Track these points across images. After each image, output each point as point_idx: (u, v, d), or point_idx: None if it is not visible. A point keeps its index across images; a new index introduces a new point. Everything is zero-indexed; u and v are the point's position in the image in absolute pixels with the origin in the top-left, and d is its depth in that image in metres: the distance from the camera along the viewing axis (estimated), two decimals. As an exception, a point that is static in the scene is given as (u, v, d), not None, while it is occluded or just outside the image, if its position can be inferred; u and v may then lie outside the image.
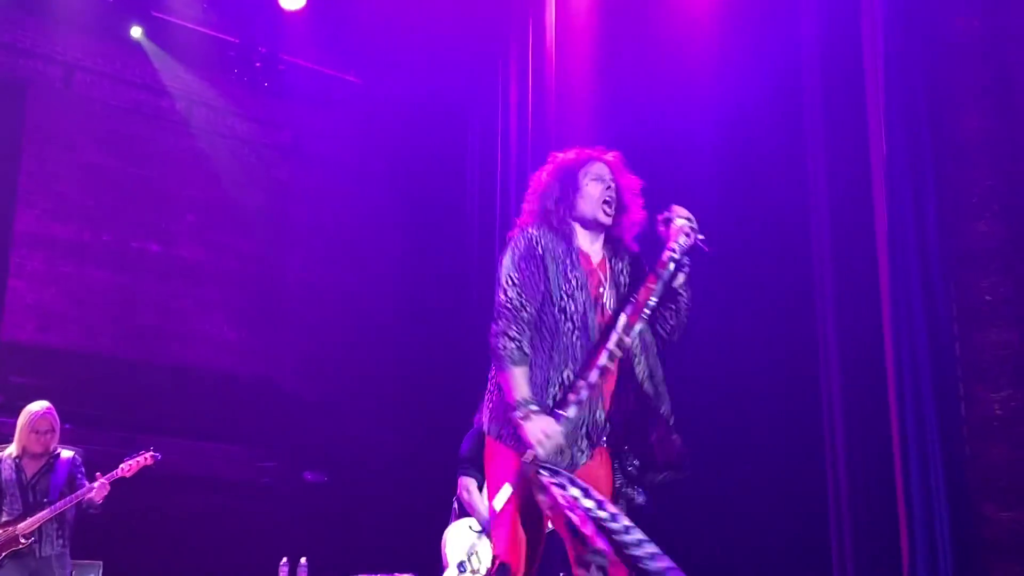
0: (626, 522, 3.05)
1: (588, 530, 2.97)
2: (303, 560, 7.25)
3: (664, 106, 7.04)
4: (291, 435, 9.54)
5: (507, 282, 3.28)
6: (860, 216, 5.36)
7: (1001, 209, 4.72)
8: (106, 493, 6.15)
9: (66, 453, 6.31)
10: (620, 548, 2.97)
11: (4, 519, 6.07)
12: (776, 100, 6.26)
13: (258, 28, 9.60)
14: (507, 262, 3.33)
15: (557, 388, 3.21)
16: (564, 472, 3.14)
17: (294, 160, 10.33)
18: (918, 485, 4.74)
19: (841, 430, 5.31)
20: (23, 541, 5.89)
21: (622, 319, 3.21)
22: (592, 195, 3.37)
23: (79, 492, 6.05)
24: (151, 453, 6.52)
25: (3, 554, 5.89)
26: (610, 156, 3.51)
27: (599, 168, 3.43)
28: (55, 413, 6.26)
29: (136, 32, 9.22)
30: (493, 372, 3.36)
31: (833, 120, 5.68)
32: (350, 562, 8.12)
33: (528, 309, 3.25)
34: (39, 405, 6.26)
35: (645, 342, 3.34)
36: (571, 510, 3.02)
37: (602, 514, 3.03)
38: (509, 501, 3.23)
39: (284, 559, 7.12)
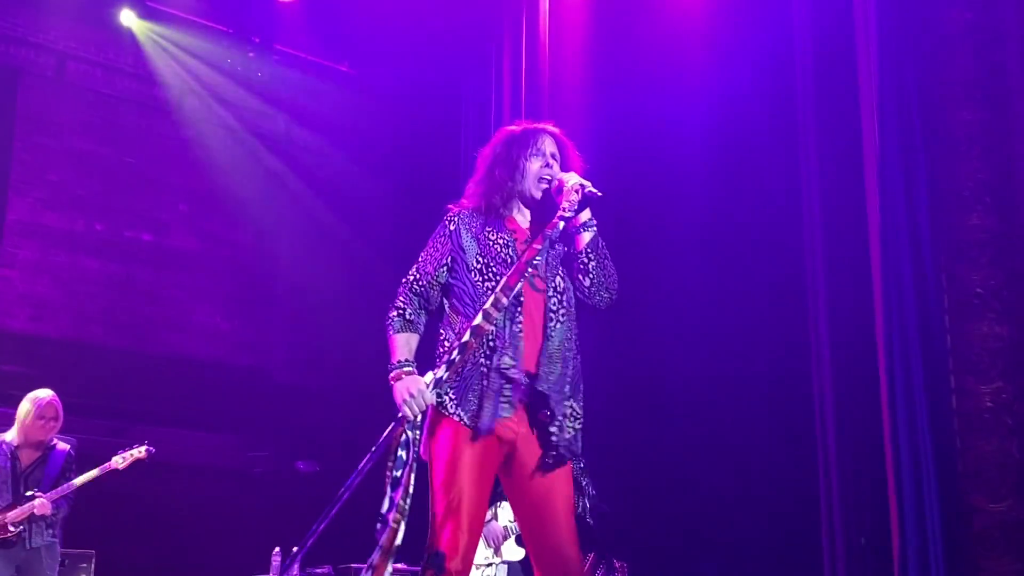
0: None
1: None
2: (295, 549, 7.11)
3: (657, 96, 7.05)
4: (283, 424, 9.56)
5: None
6: (852, 208, 5.37)
7: (993, 202, 4.73)
8: (51, 507, 6.06)
9: (62, 445, 6.28)
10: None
11: None
12: (768, 92, 6.28)
13: (252, 18, 9.59)
14: None
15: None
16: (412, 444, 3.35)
17: (287, 150, 10.34)
18: (909, 477, 4.75)
19: (832, 422, 5.32)
20: (11, 530, 5.84)
21: (502, 280, 3.21)
22: (531, 170, 3.41)
23: (59, 489, 6.01)
24: (146, 447, 6.48)
25: None
26: (553, 128, 3.53)
27: (541, 142, 3.46)
28: (59, 402, 6.23)
29: (128, 20, 9.21)
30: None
31: (825, 112, 5.69)
32: (342, 551, 8.15)
33: (421, 281, 3.43)
34: (44, 392, 6.21)
35: (567, 303, 3.34)
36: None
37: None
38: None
39: (276, 548, 7.08)
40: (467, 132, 9.71)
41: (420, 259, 3.51)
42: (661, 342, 6.34)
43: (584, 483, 3.60)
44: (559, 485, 3.21)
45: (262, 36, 9.66)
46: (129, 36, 9.34)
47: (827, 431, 5.36)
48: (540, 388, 3.15)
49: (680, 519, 6.16)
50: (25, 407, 6.17)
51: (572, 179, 3.33)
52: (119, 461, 6.33)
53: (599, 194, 3.29)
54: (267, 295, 10.01)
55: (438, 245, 3.50)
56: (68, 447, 6.29)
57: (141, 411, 8.71)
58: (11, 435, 6.18)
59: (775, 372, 6.05)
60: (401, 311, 3.49)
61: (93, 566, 7.03)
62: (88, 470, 6.25)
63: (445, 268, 3.42)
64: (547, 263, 3.30)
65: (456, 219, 3.48)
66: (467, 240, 3.39)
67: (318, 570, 7.45)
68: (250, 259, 9.95)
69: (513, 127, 3.61)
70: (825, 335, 5.46)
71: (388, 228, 10.29)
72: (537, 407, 3.18)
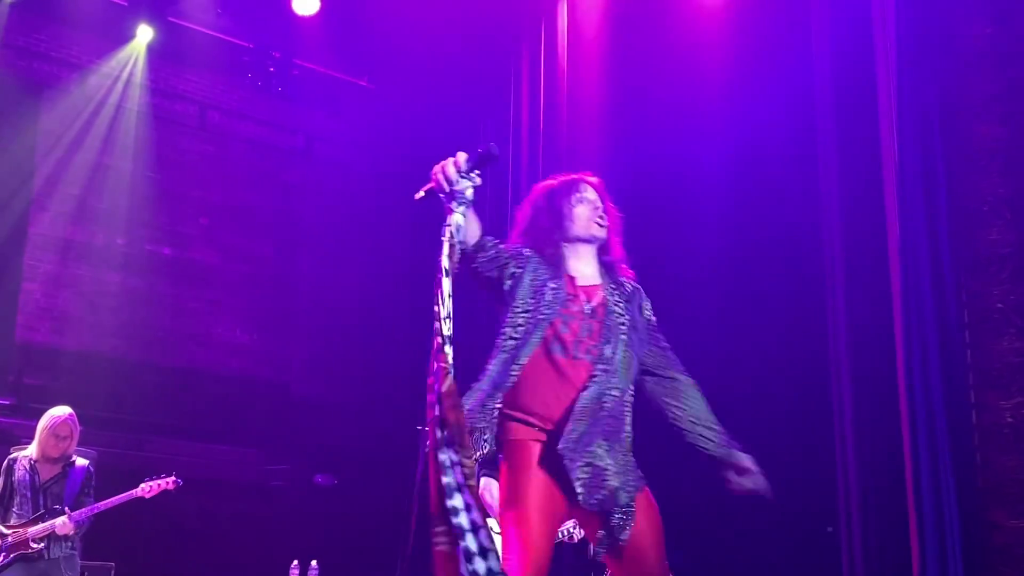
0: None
1: None
2: (314, 563, 7.25)
3: (676, 115, 7.04)
4: (302, 438, 9.55)
5: None
6: (872, 223, 5.35)
7: (1013, 217, 4.72)
8: (73, 527, 6.07)
9: (81, 461, 6.29)
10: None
11: (13, 521, 6.04)
12: (789, 107, 6.26)
13: (272, 33, 9.63)
14: None
15: None
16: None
17: (306, 164, 10.34)
18: (929, 492, 4.73)
19: (852, 437, 5.30)
20: (34, 546, 5.89)
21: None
22: (582, 216, 3.33)
23: (83, 511, 6.04)
24: (173, 478, 6.52)
25: (12, 555, 5.90)
26: (594, 179, 3.46)
27: (585, 190, 3.39)
28: (75, 419, 6.24)
29: (146, 36, 9.23)
30: None
31: (845, 128, 5.68)
32: (360, 565, 8.17)
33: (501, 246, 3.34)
34: (61, 410, 6.23)
35: None
36: None
37: None
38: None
39: (295, 562, 7.11)
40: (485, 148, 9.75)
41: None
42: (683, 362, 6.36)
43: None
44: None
45: (282, 51, 9.69)
46: (152, 51, 9.39)
47: (847, 445, 5.34)
48: None
49: (693, 533, 6.15)
50: (42, 424, 6.21)
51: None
52: (145, 489, 6.37)
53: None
54: (287, 309, 10.03)
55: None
56: (87, 463, 6.31)
57: (161, 424, 8.74)
58: (31, 450, 6.22)
59: (795, 387, 6.03)
60: None
61: (113, 578, 7.03)
62: (108, 483, 6.29)
63: None
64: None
65: (527, 256, 3.38)
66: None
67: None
68: (270, 273, 9.96)
69: (550, 180, 3.53)
70: (845, 349, 5.44)
71: (407, 243, 10.33)
72: None
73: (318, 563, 7.31)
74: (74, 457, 6.27)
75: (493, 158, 3.12)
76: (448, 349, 2.92)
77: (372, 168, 10.41)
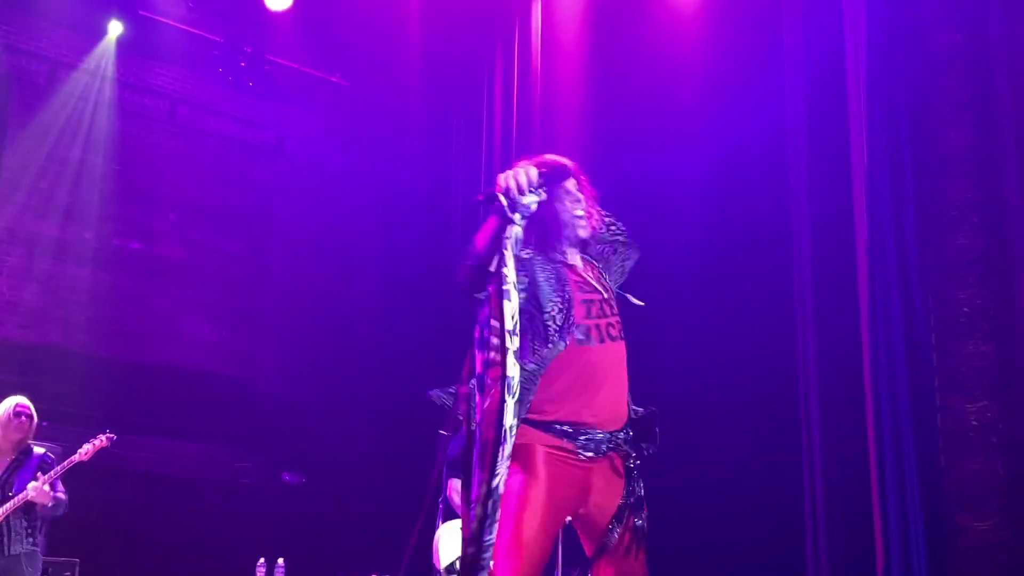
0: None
1: None
2: (280, 561, 7.31)
3: (648, 120, 7.12)
4: (270, 436, 9.58)
5: None
6: (841, 227, 5.42)
7: (980, 222, 4.78)
8: (50, 494, 6.06)
9: (38, 449, 6.32)
10: None
11: None
12: (759, 112, 6.33)
13: (243, 27, 9.64)
14: None
15: None
16: None
17: (278, 161, 10.38)
18: (894, 494, 4.79)
19: (818, 439, 5.36)
20: None
21: None
22: (569, 221, 3.35)
23: (21, 495, 5.98)
24: (107, 435, 6.52)
25: None
26: (570, 164, 3.42)
27: (568, 185, 3.39)
28: (30, 409, 6.34)
29: (116, 30, 9.26)
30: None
31: (815, 133, 5.75)
32: (328, 563, 8.20)
33: None
34: (15, 399, 6.34)
35: None
36: None
37: None
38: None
39: (261, 559, 7.15)
40: (459, 144, 9.79)
41: None
42: (658, 367, 6.40)
43: None
44: None
45: (254, 46, 9.72)
46: (121, 44, 9.40)
47: (814, 448, 5.40)
48: None
49: (660, 537, 6.19)
50: None
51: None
52: (83, 452, 6.38)
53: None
54: (256, 306, 10.08)
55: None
56: (44, 450, 6.33)
57: (128, 420, 8.62)
58: None
59: (761, 390, 6.09)
60: None
61: (77, 574, 7.03)
62: (75, 479, 6.25)
63: None
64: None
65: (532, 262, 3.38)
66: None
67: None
68: (240, 269, 9.99)
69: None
70: (812, 353, 5.50)
71: (379, 240, 10.38)
72: None
73: (284, 561, 7.35)
74: (31, 446, 6.28)
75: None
76: (511, 362, 2.87)
77: (344, 165, 10.46)
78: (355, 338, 10.06)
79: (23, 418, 6.20)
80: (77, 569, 7.03)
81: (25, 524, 6.07)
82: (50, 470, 6.16)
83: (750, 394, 6.15)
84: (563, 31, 8.41)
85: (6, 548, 5.90)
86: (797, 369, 5.61)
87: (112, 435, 6.51)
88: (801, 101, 5.84)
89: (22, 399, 6.31)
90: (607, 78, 7.69)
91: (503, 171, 3.28)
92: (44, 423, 6.63)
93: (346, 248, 10.32)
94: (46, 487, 5.93)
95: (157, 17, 9.32)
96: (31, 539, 6.03)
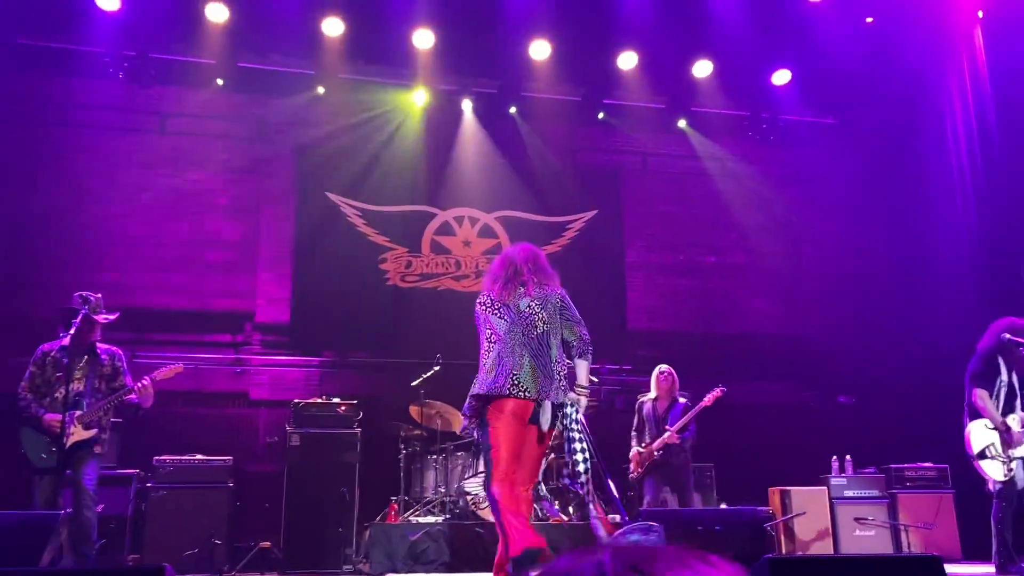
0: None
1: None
2: (848, 457, 8.67)
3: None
4: (819, 370, 10.72)
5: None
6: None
7: None
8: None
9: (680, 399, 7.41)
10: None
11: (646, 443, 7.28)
12: None
13: (759, 99, 11.05)
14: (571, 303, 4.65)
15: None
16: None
17: (796, 185, 11.57)
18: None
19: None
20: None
21: None
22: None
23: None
24: (720, 388, 7.54)
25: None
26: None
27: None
28: (671, 370, 7.64)
29: (682, 123, 11.23)
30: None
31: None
32: (881, 458, 9.09)
33: None
34: (661, 366, 7.76)
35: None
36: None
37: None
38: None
39: (834, 457, 8.59)
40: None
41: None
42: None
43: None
44: None
45: (768, 111, 11.12)
46: (683, 134, 11.19)
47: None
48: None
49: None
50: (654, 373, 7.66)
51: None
52: (706, 398, 7.33)
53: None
54: (798, 288, 11.20)
55: None
56: (685, 400, 7.39)
57: (724, 370, 9.71)
58: (652, 393, 7.61)
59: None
60: None
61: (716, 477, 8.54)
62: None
63: None
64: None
65: None
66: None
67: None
68: (783, 264, 11.37)
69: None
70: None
71: (879, 234, 11.16)
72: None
73: (851, 456, 8.40)
74: (679, 397, 7.55)
75: None
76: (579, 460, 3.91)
77: (843, 184, 11.09)
78: (880, 294, 10.98)
79: (664, 374, 7.73)
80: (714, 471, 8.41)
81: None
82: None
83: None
84: (1006, 48, 8.86)
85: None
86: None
87: (723, 387, 7.66)
88: None
89: (664, 368, 7.82)
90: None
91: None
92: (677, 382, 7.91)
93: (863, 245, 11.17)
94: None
95: (704, 109, 10.78)
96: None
